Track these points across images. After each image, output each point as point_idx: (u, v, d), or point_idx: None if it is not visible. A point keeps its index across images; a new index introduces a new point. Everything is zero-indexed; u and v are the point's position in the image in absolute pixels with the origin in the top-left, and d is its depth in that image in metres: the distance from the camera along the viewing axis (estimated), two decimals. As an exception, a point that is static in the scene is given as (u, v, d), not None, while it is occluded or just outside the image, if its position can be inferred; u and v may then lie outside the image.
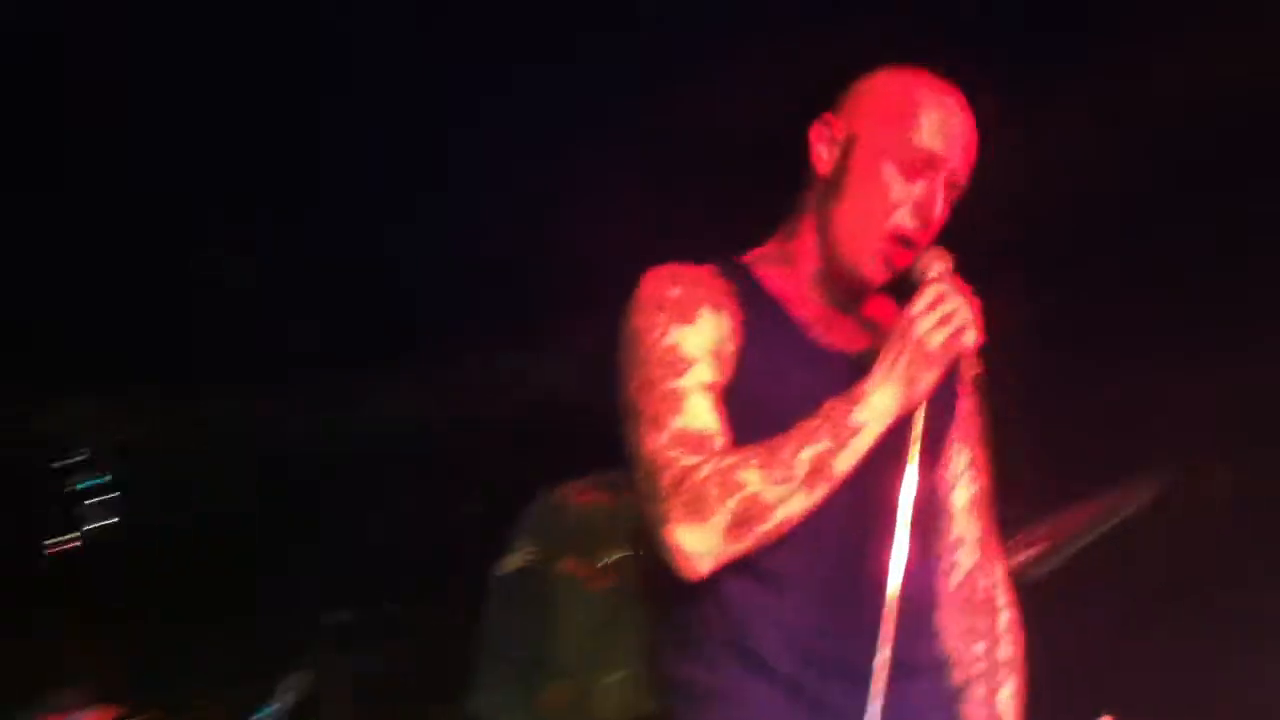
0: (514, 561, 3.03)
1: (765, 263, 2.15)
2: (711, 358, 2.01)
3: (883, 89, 2.08)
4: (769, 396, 2.00)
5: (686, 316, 2.02)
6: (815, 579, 2.02)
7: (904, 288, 2.04)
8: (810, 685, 2.00)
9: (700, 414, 1.97)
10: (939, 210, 2.02)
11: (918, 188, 2.01)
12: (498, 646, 3.04)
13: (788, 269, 2.13)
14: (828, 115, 2.10)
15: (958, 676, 2.18)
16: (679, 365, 1.98)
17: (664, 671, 2.16)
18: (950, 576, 2.20)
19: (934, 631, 2.17)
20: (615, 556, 3.00)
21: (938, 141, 2.01)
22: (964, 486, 2.23)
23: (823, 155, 2.08)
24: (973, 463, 2.25)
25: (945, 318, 1.91)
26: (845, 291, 2.11)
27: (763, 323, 2.06)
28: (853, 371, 2.00)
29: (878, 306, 2.16)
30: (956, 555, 2.21)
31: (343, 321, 4.51)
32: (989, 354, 1.98)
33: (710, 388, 1.99)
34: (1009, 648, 2.20)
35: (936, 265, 1.99)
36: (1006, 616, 2.22)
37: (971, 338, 1.93)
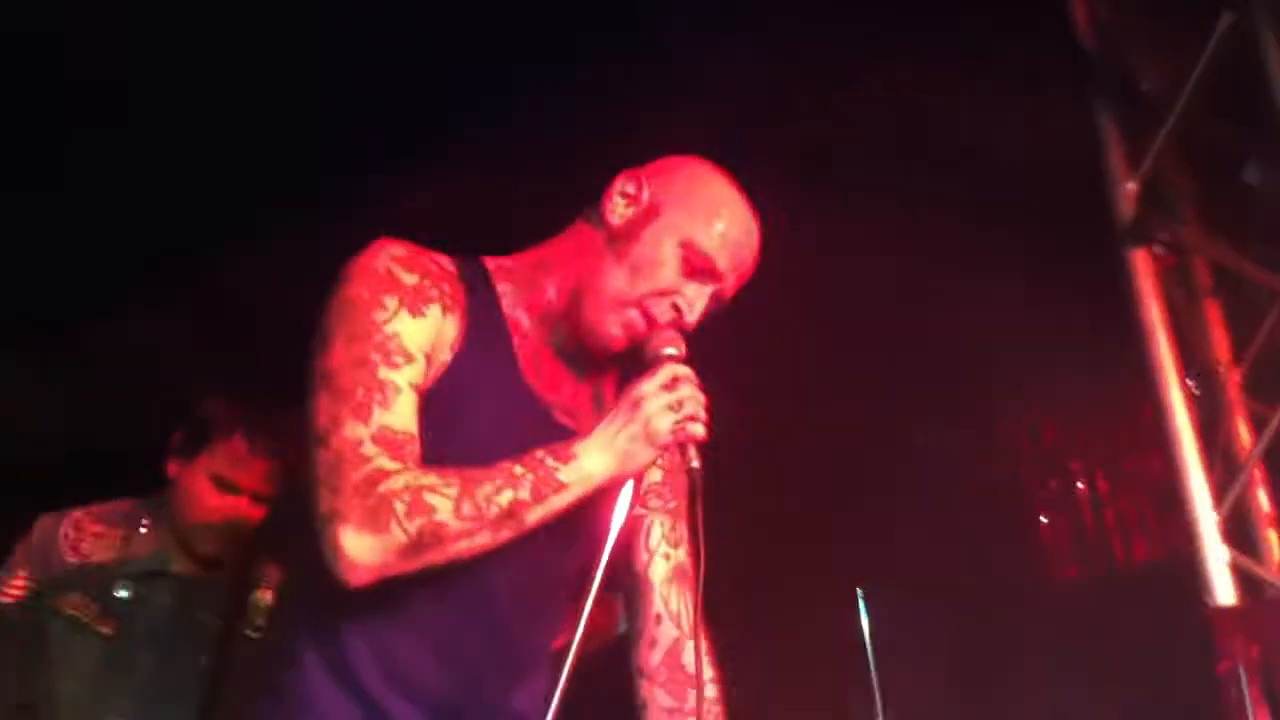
0: (7, 593, 2.94)
1: (507, 277, 2.11)
2: (425, 360, 1.97)
3: (699, 183, 2.09)
4: (462, 422, 1.96)
5: (417, 308, 1.97)
6: (452, 624, 2.00)
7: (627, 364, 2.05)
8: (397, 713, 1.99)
9: (404, 415, 1.92)
10: (696, 316, 2.03)
11: (690, 288, 2.02)
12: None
13: (528, 294, 2.09)
14: (638, 174, 2.09)
15: None
16: (396, 357, 1.93)
17: (262, 674, 2.12)
18: (653, 652, 2.18)
19: (639, 704, 2.18)
20: (120, 595, 2.92)
21: (725, 257, 2.03)
22: (659, 560, 2.21)
23: (618, 208, 2.07)
24: (669, 536, 2.23)
25: (677, 403, 1.90)
26: (573, 342, 2.07)
27: (483, 343, 2.03)
28: (548, 427, 2.01)
29: (600, 376, 2.14)
30: (658, 630, 2.18)
31: None
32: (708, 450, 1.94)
33: (418, 390, 1.94)
34: None
35: (671, 347, 1.98)
36: (711, 691, 2.17)
37: (699, 430, 1.91)
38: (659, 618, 2.17)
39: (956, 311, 4.11)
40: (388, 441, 1.87)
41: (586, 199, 2.15)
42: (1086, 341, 4.02)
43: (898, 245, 4.05)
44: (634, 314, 2.01)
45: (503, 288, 2.09)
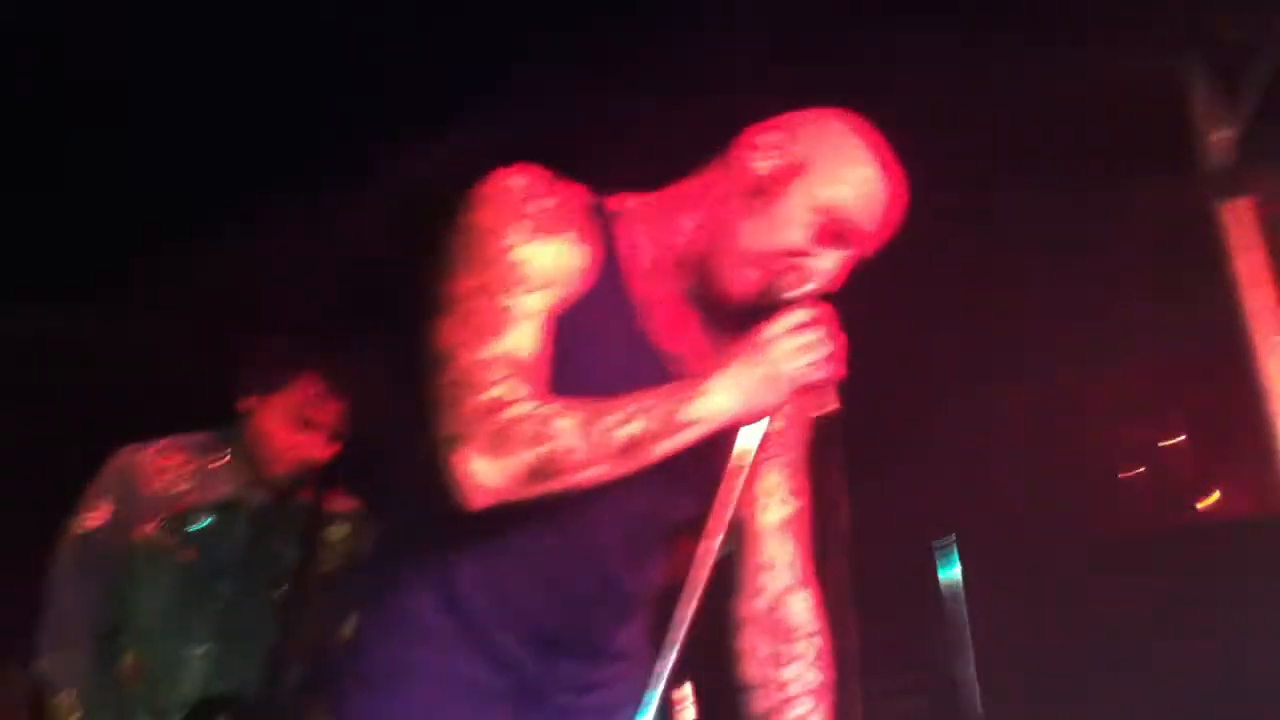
0: (90, 521, 2.97)
1: (633, 220, 2.03)
2: (558, 287, 1.90)
3: (848, 140, 1.97)
4: (575, 360, 1.90)
5: (551, 232, 1.91)
6: (561, 560, 1.97)
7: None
8: (527, 666, 1.98)
9: (531, 341, 1.86)
10: (826, 282, 1.94)
11: (826, 257, 1.94)
12: (69, 609, 2.95)
13: (655, 235, 2.01)
14: (782, 125, 1.99)
15: (762, 702, 2.10)
16: (525, 282, 1.87)
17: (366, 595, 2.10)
18: (756, 600, 2.13)
19: (738, 652, 2.13)
20: (199, 525, 2.97)
21: (868, 222, 1.94)
22: (775, 507, 2.14)
23: (761, 161, 1.96)
24: (786, 484, 2.15)
25: (805, 346, 1.84)
26: (706, 290, 2.00)
27: (608, 282, 1.96)
28: (666, 376, 1.91)
29: (740, 327, 1.99)
30: (763, 578, 2.13)
31: None
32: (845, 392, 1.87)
33: (547, 316, 1.89)
34: (815, 674, 2.10)
35: (806, 285, 1.90)
36: (816, 643, 2.12)
37: (827, 373, 1.84)
38: (765, 566, 2.12)
39: (1036, 262, 4.08)
40: (511, 366, 1.82)
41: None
42: (1169, 292, 3.99)
43: (970, 199, 4.02)
44: (764, 273, 1.93)
45: (625, 228, 2.01)
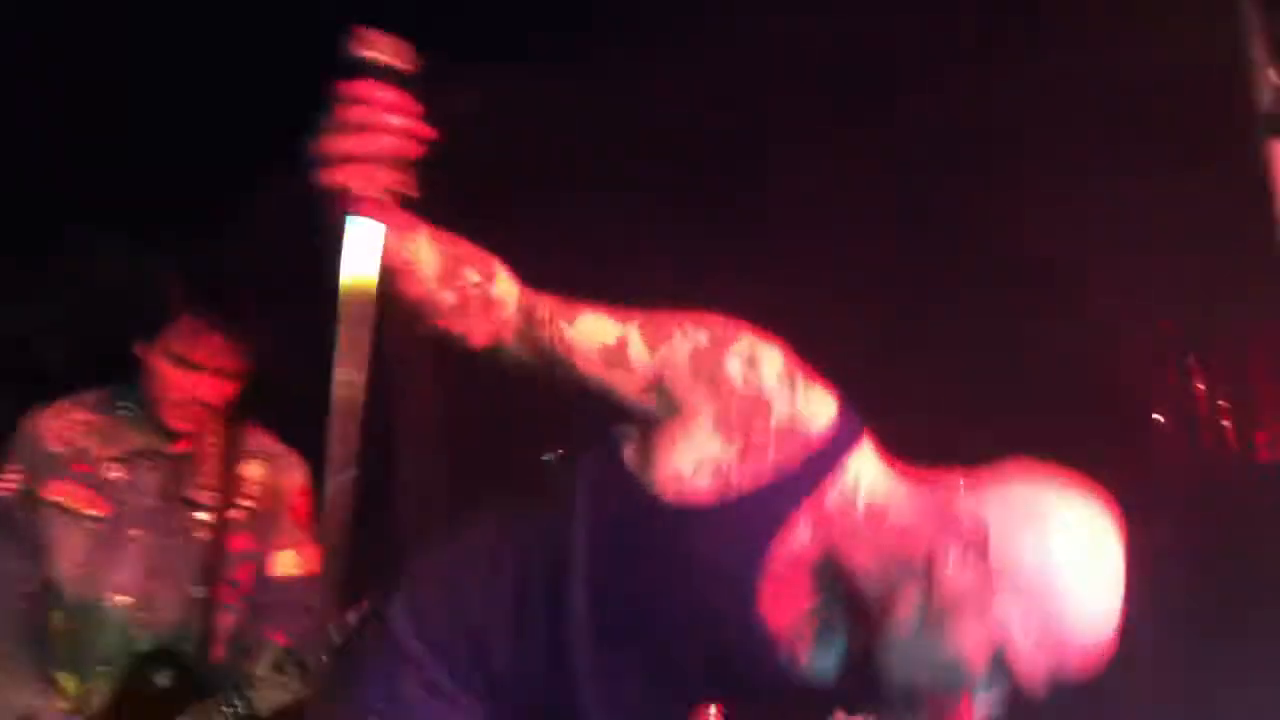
0: (3, 487, 2.99)
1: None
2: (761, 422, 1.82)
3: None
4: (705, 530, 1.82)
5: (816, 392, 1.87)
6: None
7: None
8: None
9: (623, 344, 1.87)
10: None
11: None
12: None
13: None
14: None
15: None
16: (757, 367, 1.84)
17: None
18: None
19: None
20: (109, 477, 2.99)
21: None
22: None
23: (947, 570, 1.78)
24: None
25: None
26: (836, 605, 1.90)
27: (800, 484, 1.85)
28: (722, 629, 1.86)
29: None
30: None
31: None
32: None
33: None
34: None
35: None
36: None
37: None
38: None
39: (1080, 206, 4.04)
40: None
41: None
42: (1212, 236, 3.95)
43: (1023, 138, 3.98)
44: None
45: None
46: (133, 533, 2.99)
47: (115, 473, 3.00)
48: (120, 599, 2.97)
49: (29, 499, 2.98)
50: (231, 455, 3.07)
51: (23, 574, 2.98)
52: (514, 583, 1.97)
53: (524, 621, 1.95)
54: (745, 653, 1.87)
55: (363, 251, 1.67)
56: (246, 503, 3.07)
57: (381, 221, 1.68)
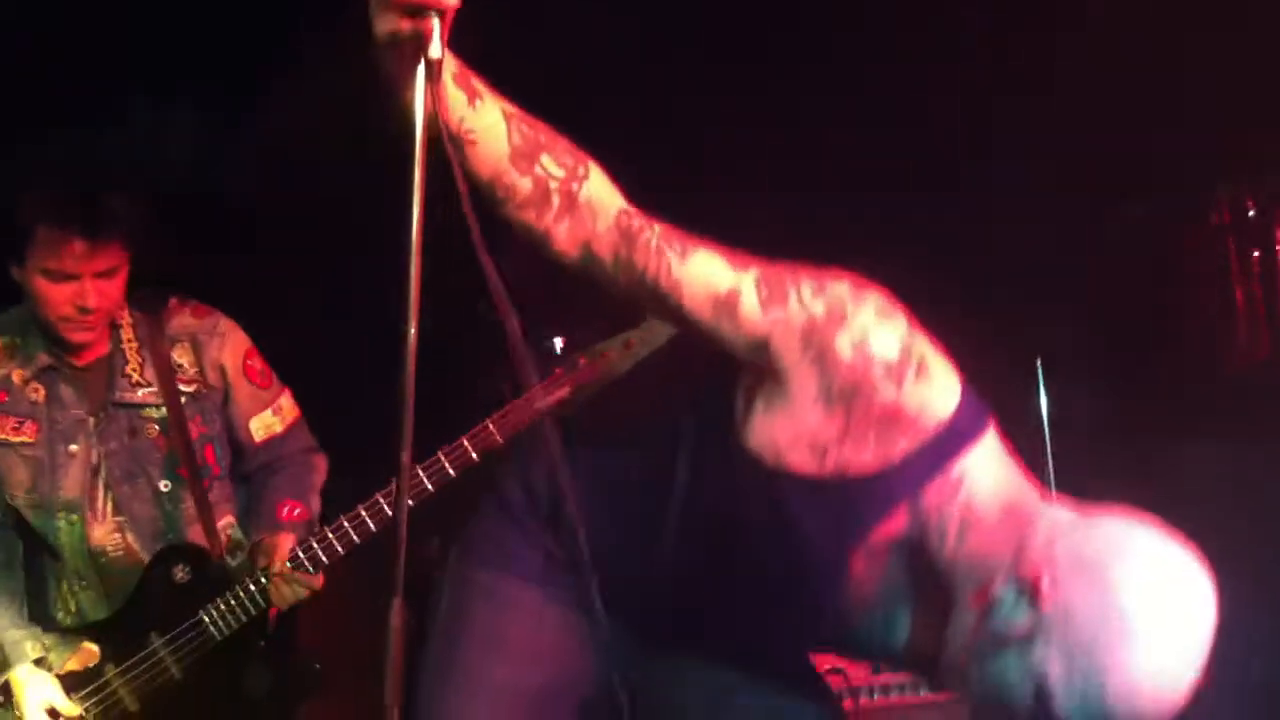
0: None
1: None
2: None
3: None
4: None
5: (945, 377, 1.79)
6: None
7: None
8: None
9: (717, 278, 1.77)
10: None
11: None
12: None
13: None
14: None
15: None
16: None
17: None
18: None
19: None
20: (32, 399, 2.94)
21: None
22: None
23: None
24: None
25: None
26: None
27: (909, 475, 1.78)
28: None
29: None
30: None
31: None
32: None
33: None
34: None
35: None
36: None
37: None
38: None
39: (1157, 82, 3.88)
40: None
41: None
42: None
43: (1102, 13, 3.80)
44: None
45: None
46: (72, 449, 2.94)
47: (36, 393, 2.94)
48: (74, 517, 2.94)
49: None
50: (153, 346, 2.99)
51: None
52: (611, 506, 1.96)
53: (620, 535, 1.94)
54: (819, 617, 1.86)
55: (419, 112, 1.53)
56: (186, 388, 3.00)
57: (440, 76, 1.56)
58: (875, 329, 1.72)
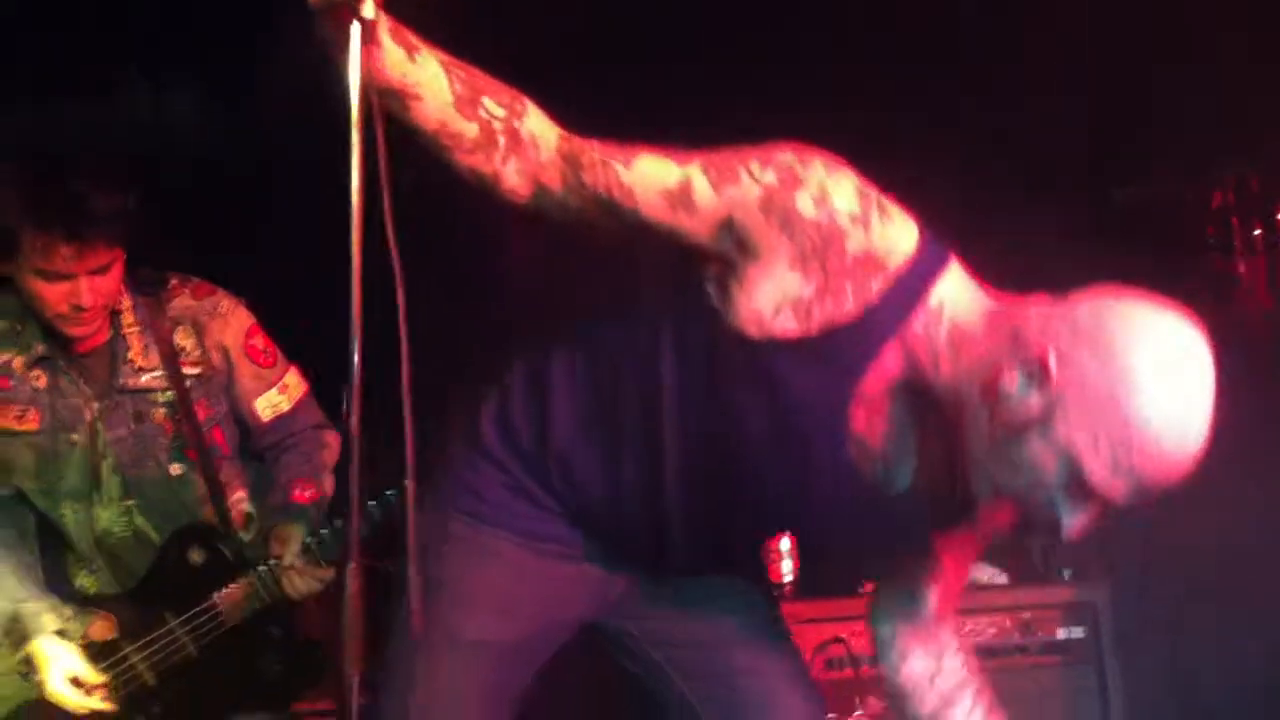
0: None
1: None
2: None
3: (1118, 385, 1.69)
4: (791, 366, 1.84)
5: (890, 216, 1.82)
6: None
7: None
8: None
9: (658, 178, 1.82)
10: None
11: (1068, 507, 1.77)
12: None
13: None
14: (1050, 343, 1.72)
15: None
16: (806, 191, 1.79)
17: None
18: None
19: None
20: (34, 387, 2.89)
21: (1130, 495, 1.75)
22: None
23: (1010, 393, 1.74)
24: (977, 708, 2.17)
25: None
26: (916, 409, 1.90)
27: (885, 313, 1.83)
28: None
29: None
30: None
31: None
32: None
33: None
34: (963, 673, 2.17)
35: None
36: (953, 646, 2.18)
37: None
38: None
39: (1163, 58, 3.82)
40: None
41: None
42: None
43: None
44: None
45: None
46: (74, 436, 2.91)
47: (38, 380, 2.91)
48: (79, 505, 2.93)
49: None
50: (155, 330, 2.94)
51: None
52: (602, 410, 1.99)
53: (611, 448, 1.98)
54: (830, 477, 1.88)
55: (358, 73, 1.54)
56: (191, 370, 2.96)
57: (377, 37, 1.60)
58: (831, 184, 1.76)
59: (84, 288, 2.75)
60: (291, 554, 2.85)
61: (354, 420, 1.55)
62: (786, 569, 3.71)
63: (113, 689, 2.87)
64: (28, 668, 2.85)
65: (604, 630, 2.21)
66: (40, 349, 2.89)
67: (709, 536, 2.01)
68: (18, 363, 2.90)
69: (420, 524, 1.80)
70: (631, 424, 1.96)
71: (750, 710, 2.15)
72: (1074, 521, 1.74)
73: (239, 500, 3.03)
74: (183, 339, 2.96)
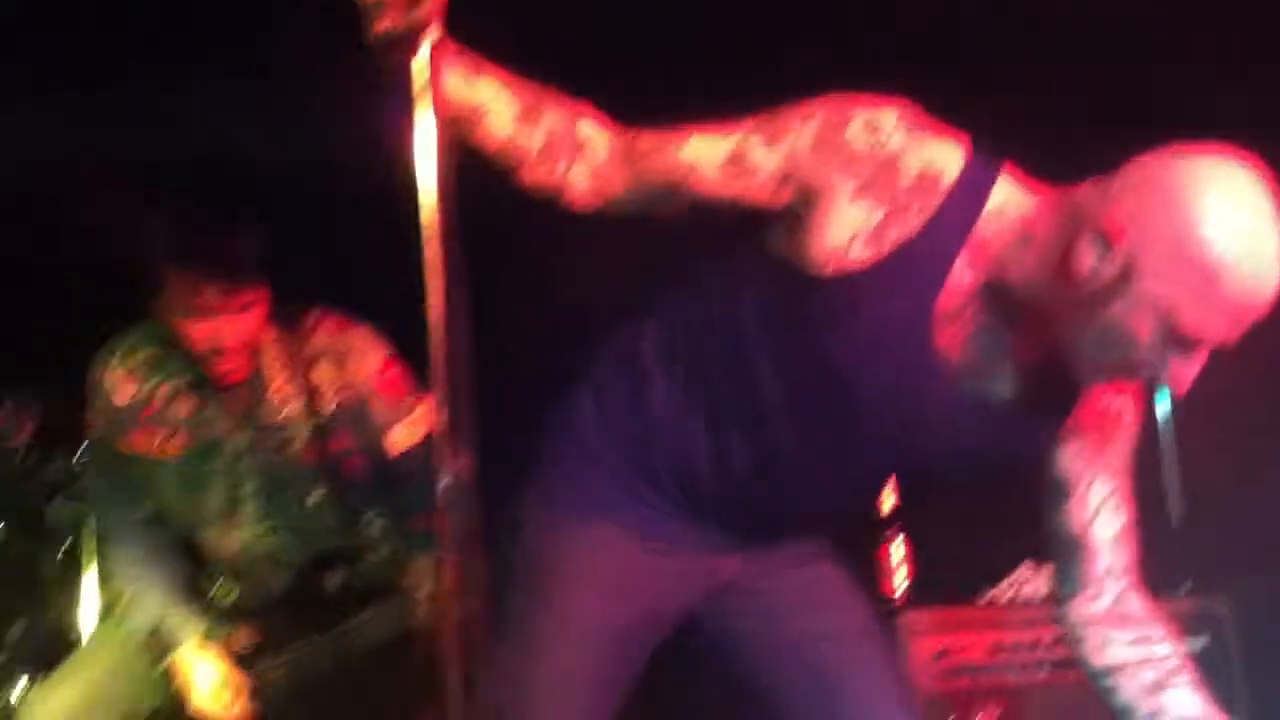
0: (92, 430, 3.07)
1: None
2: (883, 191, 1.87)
3: (1189, 231, 1.73)
4: (867, 297, 1.89)
5: (938, 134, 1.91)
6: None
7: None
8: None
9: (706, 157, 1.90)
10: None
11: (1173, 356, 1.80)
12: (105, 508, 3.13)
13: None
14: (1115, 220, 1.77)
15: (1131, 684, 2.11)
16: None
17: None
18: (1098, 601, 2.13)
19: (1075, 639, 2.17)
20: (177, 417, 2.97)
21: (1227, 330, 1.78)
22: (1109, 520, 2.11)
23: (1088, 265, 1.79)
24: (1117, 494, 2.12)
25: None
26: (1007, 318, 1.92)
27: (943, 233, 1.89)
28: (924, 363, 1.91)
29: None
30: (1104, 584, 2.13)
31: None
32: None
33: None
34: (1172, 650, 2.12)
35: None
36: (1159, 628, 2.14)
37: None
38: (1105, 574, 2.13)
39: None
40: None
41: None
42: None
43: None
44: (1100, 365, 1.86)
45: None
46: (217, 464, 3.01)
47: (182, 409, 2.99)
48: (219, 528, 3.03)
49: (112, 451, 3.04)
50: (295, 365, 3.00)
51: (134, 501, 3.06)
52: (696, 387, 2.04)
53: (712, 423, 2.03)
54: (930, 399, 1.93)
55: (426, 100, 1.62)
56: (328, 404, 3.02)
57: (442, 64, 1.66)
58: (874, 116, 1.86)
59: (226, 328, 2.81)
60: (425, 583, 2.92)
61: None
62: (900, 579, 3.72)
63: (250, 700, 2.98)
64: (169, 677, 2.97)
65: (700, 628, 2.25)
66: (186, 378, 2.96)
67: (822, 489, 2.06)
68: (164, 389, 2.98)
69: (527, 524, 1.87)
70: (728, 394, 2.01)
71: (835, 697, 2.18)
72: (1181, 374, 1.79)
73: (373, 528, 3.10)
74: (321, 374, 3.01)
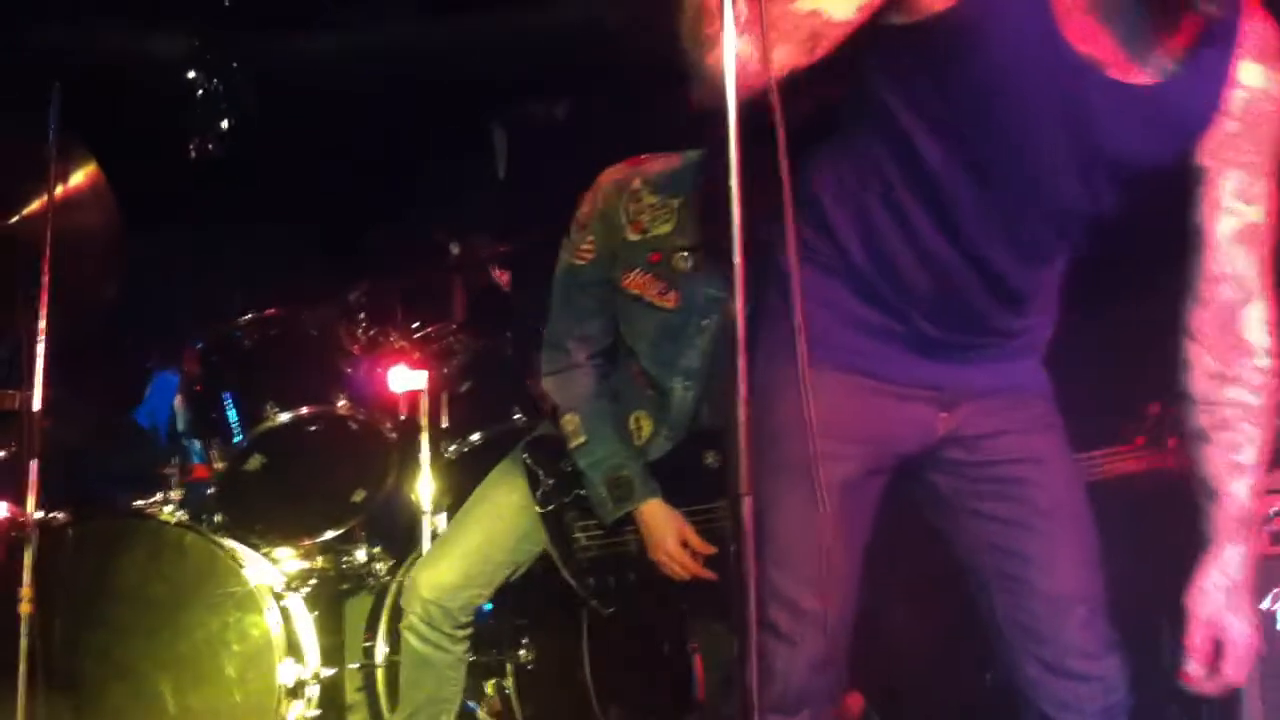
0: (580, 256, 3.09)
1: None
2: None
3: None
4: (995, 52, 1.92)
5: None
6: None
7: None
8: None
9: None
10: None
11: None
12: (562, 334, 3.13)
13: None
14: None
15: (1200, 418, 2.08)
16: None
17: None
18: (1204, 312, 2.08)
19: (1182, 362, 2.11)
20: (680, 268, 2.98)
21: None
22: (1230, 214, 2.02)
23: None
24: (1246, 189, 2.02)
25: None
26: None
27: None
28: (1077, 77, 1.90)
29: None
30: (1214, 290, 2.07)
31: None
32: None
33: None
34: (1257, 399, 2.05)
35: None
36: (1263, 364, 2.07)
37: None
38: (1218, 278, 2.07)
39: None
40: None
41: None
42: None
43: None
44: None
45: None
46: (704, 323, 2.98)
47: (685, 263, 2.99)
48: (686, 383, 3.00)
49: (603, 271, 3.06)
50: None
51: (594, 334, 3.12)
52: (877, 203, 2.11)
53: (906, 228, 2.10)
54: (1084, 108, 1.94)
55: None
56: None
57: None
58: None
59: None
60: None
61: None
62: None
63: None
64: (633, 526, 3.02)
65: (917, 480, 2.27)
66: (705, 235, 2.97)
67: (1027, 247, 2.10)
68: (673, 240, 3.00)
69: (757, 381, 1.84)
70: (909, 194, 2.07)
71: (1035, 598, 2.19)
72: None
73: None
74: None
